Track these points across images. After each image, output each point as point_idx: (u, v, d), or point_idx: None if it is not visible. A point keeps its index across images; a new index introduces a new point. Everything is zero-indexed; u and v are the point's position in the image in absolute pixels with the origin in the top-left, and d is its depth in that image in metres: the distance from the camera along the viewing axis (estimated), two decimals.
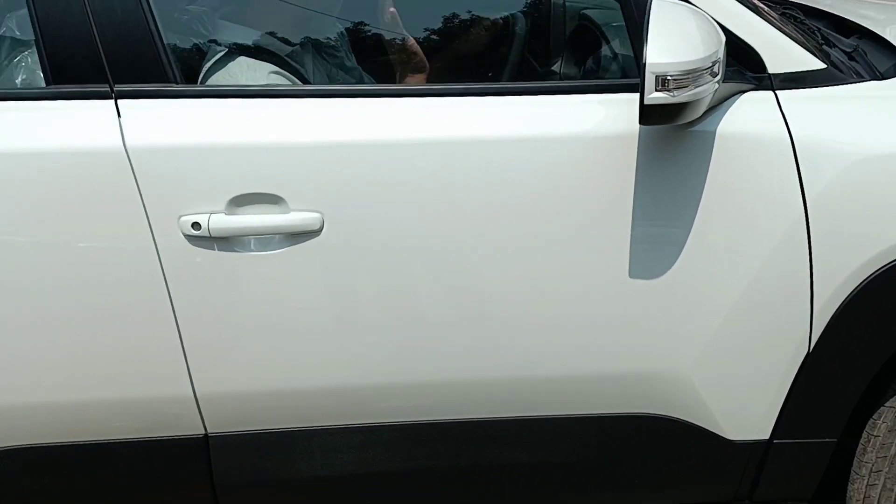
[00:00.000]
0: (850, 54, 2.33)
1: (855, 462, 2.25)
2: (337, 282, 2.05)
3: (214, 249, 2.00)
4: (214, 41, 2.33)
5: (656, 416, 2.18)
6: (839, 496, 2.37)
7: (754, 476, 2.25)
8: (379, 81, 2.69)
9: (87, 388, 2.09)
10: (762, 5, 2.27)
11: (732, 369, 2.13)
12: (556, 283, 2.08)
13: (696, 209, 2.03)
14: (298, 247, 2.02)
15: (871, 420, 2.22)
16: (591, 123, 2.04)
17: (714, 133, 2.02)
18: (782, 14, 2.46)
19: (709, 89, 1.88)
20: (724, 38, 1.92)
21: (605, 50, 2.48)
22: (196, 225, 1.98)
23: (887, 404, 2.20)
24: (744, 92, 2.06)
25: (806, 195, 2.02)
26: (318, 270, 2.04)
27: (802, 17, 2.57)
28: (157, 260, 2.00)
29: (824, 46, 2.32)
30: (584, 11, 2.72)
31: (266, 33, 2.41)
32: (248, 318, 2.06)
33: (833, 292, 2.06)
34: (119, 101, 2.01)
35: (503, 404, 2.18)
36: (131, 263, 2.01)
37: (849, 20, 2.68)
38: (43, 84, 2.14)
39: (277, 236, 2.02)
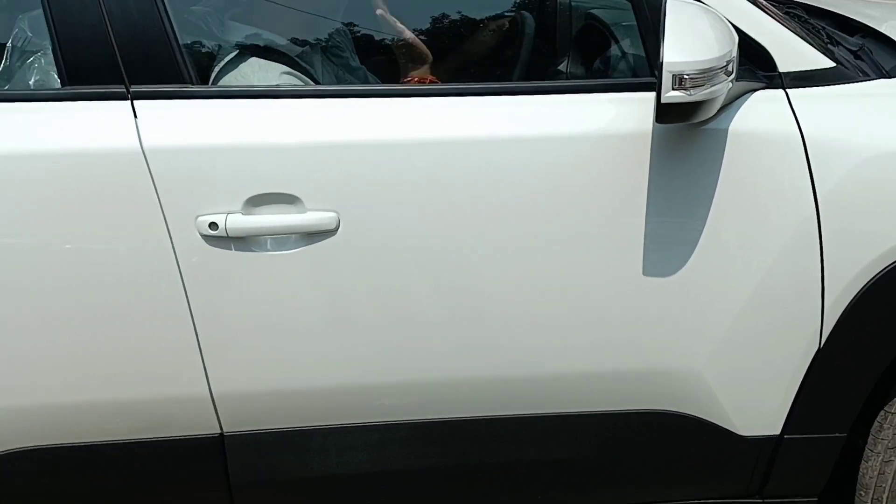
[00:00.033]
0: (855, 53, 2.35)
1: (870, 440, 2.27)
2: (353, 281, 2.06)
3: (231, 249, 2.01)
4: (226, 42, 2.34)
5: (668, 412, 2.20)
6: (846, 493, 2.40)
7: (765, 471, 2.27)
8: (384, 78, 2.71)
9: (104, 388, 2.09)
10: (769, 5, 2.29)
11: (744, 365, 2.15)
12: (569, 280, 2.09)
13: (709, 207, 2.05)
14: (314, 246, 2.02)
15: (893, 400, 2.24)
16: (605, 122, 2.06)
17: (726, 131, 2.04)
18: (786, 13, 2.48)
19: (723, 88, 1.90)
20: (736, 38, 1.94)
21: (613, 49, 2.50)
22: (213, 225, 1.99)
23: None
24: (755, 90, 2.08)
25: (817, 192, 2.04)
26: (334, 270, 2.05)
27: (806, 17, 2.59)
28: (174, 260, 2.01)
29: (829, 45, 2.33)
30: (591, 11, 2.73)
31: (276, 34, 2.41)
32: (264, 318, 2.06)
33: (844, 288, 2.09)
34: (135, 102, 2.01)
35: (516, 401, 2.19)
36: (148, 264, 2.01)
37: (852, 19, 2.70)
38: (58, 85, 2.14)
39: (294, 236, 2.02)
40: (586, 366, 2.15)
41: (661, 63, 1.83)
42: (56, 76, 2.15)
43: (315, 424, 2.16)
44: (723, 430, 2.20)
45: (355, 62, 2.71)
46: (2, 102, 2.05)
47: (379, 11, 2.58)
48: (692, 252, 2.07)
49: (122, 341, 2.05)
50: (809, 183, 2.04)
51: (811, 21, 2.55)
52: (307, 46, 2.51)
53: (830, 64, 2.14)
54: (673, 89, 1.84)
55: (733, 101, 2.04)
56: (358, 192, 2.02)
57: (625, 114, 2.05)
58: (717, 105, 1.93)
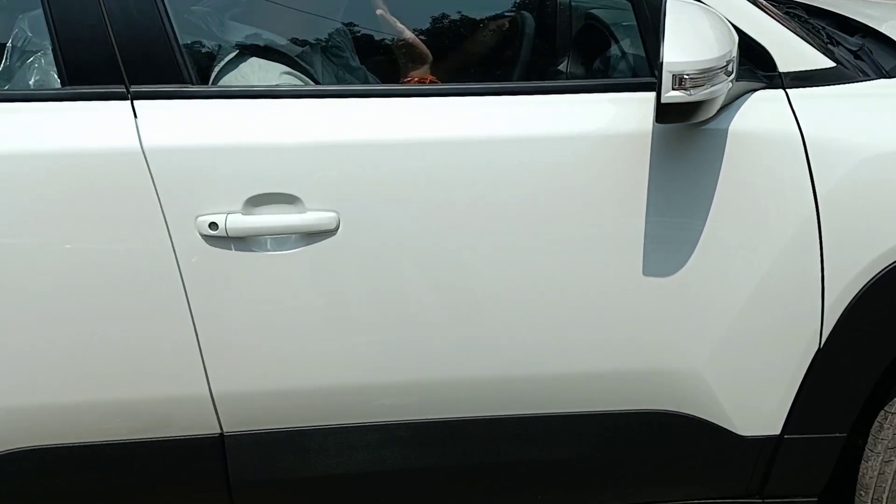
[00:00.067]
0: (855, 53, 2.35)
1: (870, 440, 2.27)
2: (353, 281, 2.06)
3: (231, 249, 2.01)
4: (226, 42, 2.34)
5: (668, 412, 2.20)
6: (846, 493, 2.40)
7: (765, 471, 2.27)
8: (385, 78, 2.71)
9: (104, 388, 2.09)
10: (769, 5, 2.29)
11: (744, 365, 2.15)
12: (569, 280, 2.09)
13: (709, 207, 2.05)
14: (314, 246, 2.03)
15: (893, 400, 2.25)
16: (605, 122, 2.06)
17: (726, 131, 2.04)
18: (786, 13, 2.48)
19: (723, 88, 1.90)
20: (736, 38, 1.94)
21: (613, 49, 2.50)
22: (213, 225, 1.99)
23: None
24: (755, 90, 2.08)
25: (817, 192, 2.05)
26: (334, 270, 2.05)
27: (806, 17, 2.59)
28: (174, 260, 2.01)
29: (829, 45, 2.33)
30: (591, 11, 2.73)
31: (276, 34, 2.42)
32: (264, 318, 2.06)
33: (844, 288, 2.09)
34: (135, 102, 2.01)
35: (516, 401, 2.19)
36: (148, 264, 2.02)
37: (852, 19, 2.70)
38: (57, 85, 2.14)
39: (294, 236, 2.03)
40: (586, 366, 2.15)
41: (661, 63, 1.83)
42: (56, 76, 2.15)
43: (315, 424, 2.16)
44: (723, 430, 2.20)
45: (355, 62, 2.71)
46: (2, 102, 2.05)
47: (379, 11, 2.58)
48: (692, 252, 2.07)
49: (122, 341, 2.06)
50: (809, 183, 2.05)
51: (811, 21, 2.55)
52: (307, 46, 2.51)
53: (830, 64, 2.14)
54: (673, 89, 1.84)
55: (733, 101, 2.04)
56: (358, 193, 2.02)
57: (625, 114, 2.06)
58: (717, 105, 1.93)
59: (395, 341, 2.10)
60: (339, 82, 2.57)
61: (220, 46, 2.33)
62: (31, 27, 2.25)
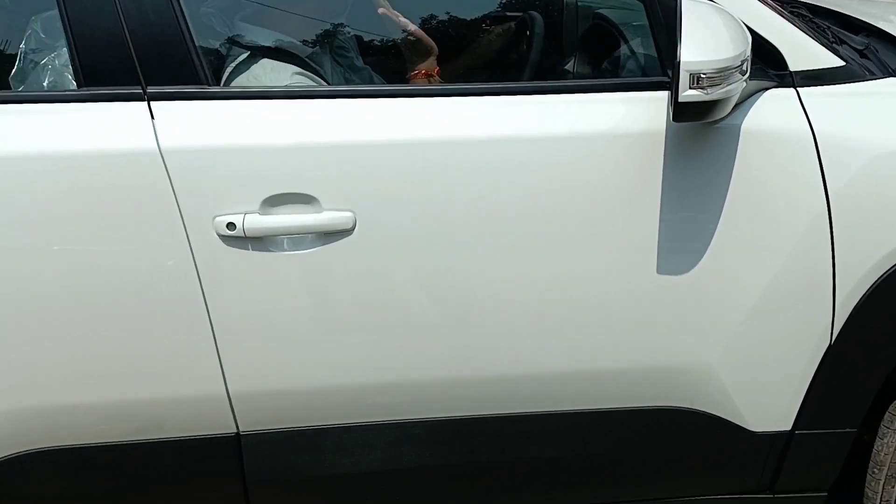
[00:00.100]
0: (861, 52, 2.37)
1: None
2: (370, 280, 2.07)
3: (249, 249, 2.02)
4: (238, 44, 2.35)
5: (680, 408, 2.22)
6: (855, 489, 2.42)
7: (776, 467, 2.29)
8: (389, 77, 2.71)
9: (121, 388, 2.10)
10: (776, 5, 2.31)
11: (756, 361, 2.17)
12: (584, 278, 2.11)
13: (721, 204, 2.07)
14: (331, 246, 2.04)
15: None
16: (618, 121, 2.08)
17: (738, 129, 2.06)
18: (791, 13, 2.50)
19: (738, 87, 1.93)
20: (750, 37, 1.96)
21: (623, 49, 2.51)
22: (231, 225, 1.99)
23: None
24: (766, 89, 2.10)
25: (828, 189, 2.07)
26: (351, 269, 2.06)
27: (811, 16, 2.61)
28: (191, 260, 2.02)
29: (835, 44, 2.35)
30: (599, 11, 2.75)
31: (286, 35, 2.43)
32: (281, 317, 2.07)
33: (855, 285, 2.11)
34: (152, 103, 2.02)
35: (529, 399, 2.20)
36: (166, 264, 2.02)
37: (856, 18, 2.72)
38: (72, 86, 2.15)
39: (310, 236, 2.04)
40: (600, 363, 2.17)
41: (679, 62, 1.85)
42: (70, 77, 2.16)
43: (331, 423, 2.17)
44: (735, 426, 2.22)
45: (359, 62, 2.73)
46: (19, 104, 2.06)
47: (381, 10, 2.58)
48: (705, 249, 2.09)
49: (139, 341, 2.06)
50: (821, 180, 2.07)
51: (815, 20, 2.57)
52: (317, 47, 2.53)
53: (840, 63, 2.16)
54: (690, 88, 1.86)
55: (745, 99, 2.06)
56: (374, 192, 2.03)
57: (636, 113, 2.07)
58: (732, 104, 1.96)
59: (412, 340, 2.11)
60: (346, 83, 2.59)
61: (231, 47, 2.34)
62: (43, 29, 2.25)
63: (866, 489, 2.34)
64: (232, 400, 2.12)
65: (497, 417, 2.20)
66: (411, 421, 2.19)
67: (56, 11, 2.16)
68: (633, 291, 2.12)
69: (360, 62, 2.75)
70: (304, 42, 2.49)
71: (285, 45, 2.42)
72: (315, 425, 2.17)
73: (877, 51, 2.40)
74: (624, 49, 2.51)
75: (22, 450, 2.12)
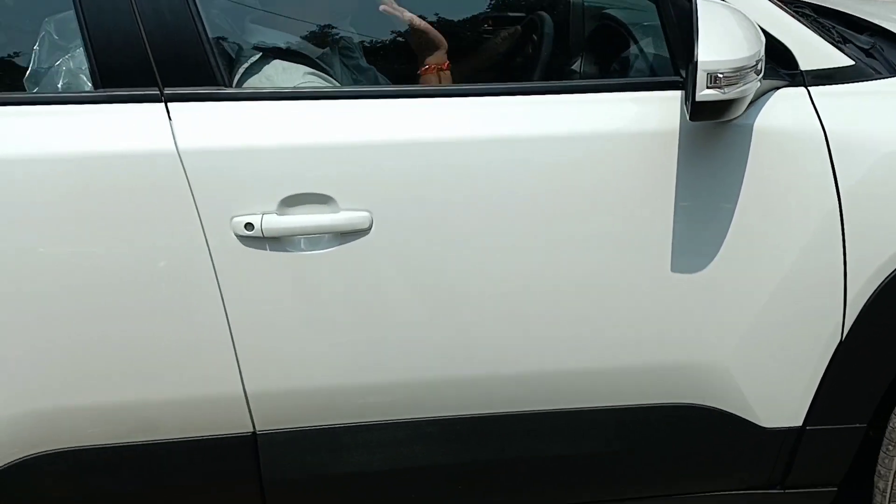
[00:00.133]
0: (867, 51, 2.39)
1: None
2: (387, 280, 2.08)
3: (266, 249, 2.03)
4: (249, 45, 2.36)
5: (693, 405, 2.24)
6: (865, 483, 2.44)
7: (787, 462, 2.31)
8: (397, 75, 2.74)
9: (138, 388, 2.10)
10: (783, 5, 2.33)
11: (768, 358, 2.19)
12: (597, 276, 2.12)
13: (734, 202, 2.09)
14: (347, 245, 2.05)
15: None
16: (632, 121, 2.09)
17: (751, 128, 2.08)
18: (796, 13, 2.51)
19: (754, 86, 1.95)
20: (763, 37, 1.98)
21: (632, 49, 2.53)
22: (249, 226, 2.00)
23: None
24: (777, 88, 2.12)
25: (840, 187, 2.09)
26: (368, 269, 2.07)
27: (815, 16, 2.63)
28: (209, 260, 2.02)
29: (841, 44, 2.38)
30: (607, 11, 2.77)
31: (296, 36, 2.44)
32: (298, 317, 2.08)
33: (866, 281, 2.13)
34: (169, 104, 2.02)
35: (542, 397, 2.22)
36: (184, 265, 2.03)
37: (859, 18, 2.74)
38: (86, 88, 2.16)
39: (327, 236, 2.04)
40: (615, 361, 2.18)
41: (696, 62, 1.87)
42: (85, 79, 2.17)
43: (347, 422, 2.18)
44: (746, 423, 2.24)
45: (364, 62, 2.75)
46: (36, 105, 2.06)
47: (382, 7, 2.59)
48: (718, 247, 2.11)
49: (157, 341, 2.07)
50: (832, 178, 2.09)
51: (820, 20, 2.59)
52: (327, 48, 2.54)
53: (850, 62, 2.18)
54: (707, 88, 1.88)
55: (757, 98, 2.08)
56: (391, 192, 2.04)
57: (649, 112, 2.09)
58: (747, 102, 1.98)
59: (429, 339, 2.13)
60: (353, 83, 2.60)
61: (243, 48, 2.35)
62: (57, 31, 2.25)
63: (878, 467, 2.37)
64: (249, 399, 2.13)
65: (511, 415, 2.22)
66: (426, 419, 2.20)
67: (69, 13, 2.17)
68: (647, 289, 2.14)
69: (364, 62, 2.76)
70: (313, 43, 2.50)
71: (295, 46, 2.44)
72: (331, 424, 2.18)
73: (882, 50, 2.42)
74: (633, 49, 2.53)
75: (37, 451, 2.13)
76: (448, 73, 2.54)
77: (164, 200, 2.00)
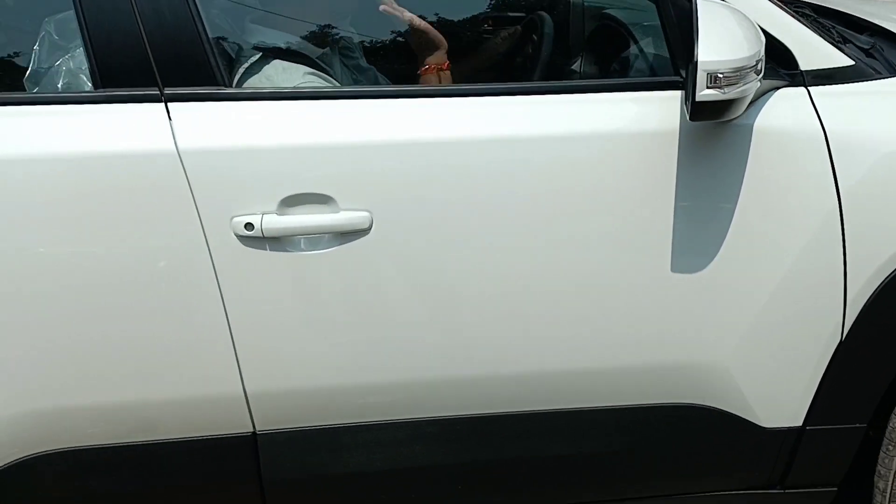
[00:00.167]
0: (867, 51, 2.39)
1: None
2: (387, 279, 2.08)
3: (266, 249, 2.03)
4: (248, 45, 2.36)
5: (693, 405, 2.24)
6: (865, 483, 2.44)
7: (787, 462, 2.31)
8: (397, 75, 2.74)
9: (138, 388, 2.10)
10: (783, 5, 2.33)
11: (768, 358, 2.19)
12: (598, 276, 2.12)
13: (734, 202, 2.09)
14: (347, 245, 2.05)
15: None
16: (632, 120, 2.09)
17: (751, 128, 2.08)
18: (795, 13, 2.52)
19: (754, 86, 1.95)
20: (763, 37, 1.98)
21: (632, 49, 2.53)
22: (249, 226, 2.00)
23: None
24: (777, 88, 2.12)
25: (840, 187, 2.09)
26: (368, 268, 2.07)
27: (815, 16, 2.63)
28: (209, 260, 2.03)
29: (841, 44, 2.38)
30: (606, 11, 2.77)
31: (296, 36, 2.44)
32: (298, 317, 2.08)
33: (865, 282, 2.13)
34: (169, 104, 2.02)
35: (542, 397, 2.22)
36: (184, 265, 2.03)
37: (859, 18, 2.74)
38: (86, 88, 2.16)
39: (327, 236, 2.05)
40: (615, 361, 2.19)
41: (696, 62, 1.87)
42: (85, 79, 2.17)
43: (347, 422, 2.18)
44: (746, 423, 2.24)
45: (364, 62, 2.75)
46: (36, 105, 2.06)
47: (382, 7, 2.59)
48: (718, 247, 2.11)
49: (157, 341, 2.07)
50: (832, 178, 2.09)
51: (820, 20, 2.59)
52: (326, 48, 2.54)
53: (850, 62, 2.18)
54: (707, 88, 1.88)
55: (757, 98, 2.08)
56: (391, 192, 2.04)
57: (649, 112, 2.09)
58: (747, 102, 1.98)
59: (428, 339, 2.13)
60: (353, 83, 2.60)
61: (242, 48, 2.35)
62: (57, 31, 2.25)
63: (878, 467, 2.37)
64: (249, 399, 2.13)
65: (511, 415, 2.22)
66: (426, 419, 2.20)
67: (69, 13, 2.17)
68: (647, 289, 2.14)
69: (364, 62, 2.76)
70: (313, 43, 2.50)
71: (295, 46, 2.44)
72: (331, 424, 2.18)
73: (882, 50, 2.42)
74: (633, 49, 2.53)
75: (37, 451, 2.13)
76: (448, 73, 2.54)
77: (164, 200, 2.00)
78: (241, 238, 2.02)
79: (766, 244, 2.12)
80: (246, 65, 2.29)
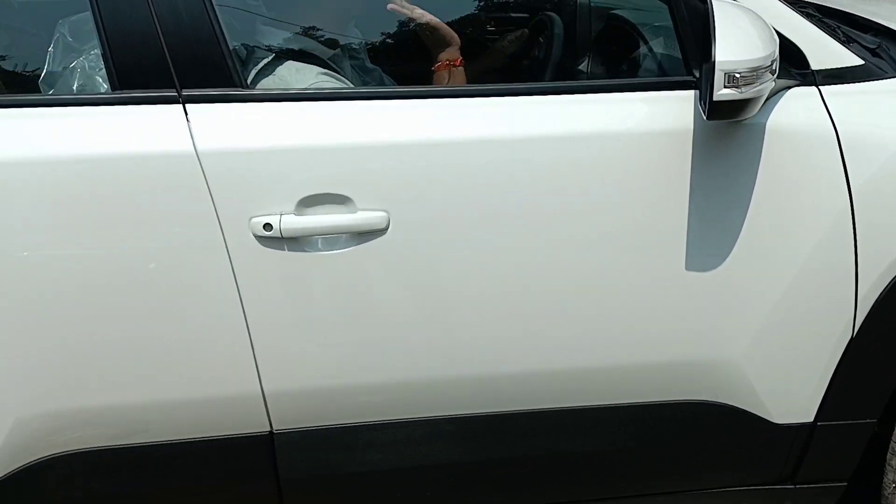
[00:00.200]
0: (873, 51, 2.42)
1: None
2: (404, 279, 2.10)
3: (284, 250, 2.04)
4: (261, 45, 2.37)
5: (705, 402, 2.26)
6: (873, 479, 2.47)
7: (798, 458, 2.33)
8: (408, 73, 2.74)
9: (156, 389, 2.11)
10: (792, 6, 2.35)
11: (781, 354, 2.21)
12: (612, 274, 2.14)
13: (747, 200, 2.11)
14: (364, 245, 2.06)
15: None
16: (647, 120, 2.11)
17: (763, 127, 2.10)
18: (801, 13, 2.54)
19: (769, 86, 1.97)
20: (777, 37, 2.00)
21: (642, 49, 2.55)
22: (268, 226, 2.01)
23: None
24: (789, 87, 2.14)
25: (851, 186, 2.11)
26: (385, 268, 2.09)
27: (820, 16, 2.65)
28: (228, 261, 2.03)
29: (847, 44, 2.40)
30: (614, 12, 2.79)
31: (308, 37, 2.45)
32: (315, 317, 2.09)
33: (876, 279, 2.15)
34: (187, 106, 2.03)
35: (557, 394, 2.23)
36: (202, 265, 2.04)
37: (863, 18, 2.77)
38: (101, 89, 2.17)
39: (344, 236, 2.06)
40: (629, 359, 2.20)
41: (714, 62, 1.89)
42: (100, 81, 2.18)
43: (364, 420, 2.19)
44: (758, 419, 2.26)
45: (369, 63, 2.76)
46: (54, 107, 2.06)
47: (391, 6, 2.60)
48: (731, 245, 2.13)
49: (175, 341, 2.08)
50: (843, 177, 2.11)
51: (826, 20, 2.61)
52: (338, 49, 2.55)
53: (859, 61, 2.21)
54: (724, 87, 1.90)
55: (769, 98, 2.10)
56: (408, 192, 2.06)
57: (662, 112, 2.11)
58: (762, 102, 2.00)
59: (445, 338, 2.14)
60: (362, 84, 2.61)
61: (255, 49, 2.36)
62: (71, 33, 2.26)
63: (887, 466, 2.39)
64: (266, 399, 2.14)
65: (527, 413, 2.23)
66: (444, 417, 2.21)
67: (82, 15, 2.19)
68: (661, 288, 2.16)
69: (369, 63, 2.77)
70: (323, 44, 2.51)
71: (307, 47, 2.44)
72: (348, 423, 2.19)
73: (888, 49, 2.44)
74: (643, 49, 2.54)
75: (55, 453, 2.13)
76: (461, 69, 2.56)
77: (183, 202, 2.01)
78: (260, 238, 2.03)
79: (779, 242, 2.14)
80: (259, 66, 2.31)
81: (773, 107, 2.11)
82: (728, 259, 2.13)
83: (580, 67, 2.87)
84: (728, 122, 2.06)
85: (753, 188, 2.11)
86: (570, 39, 2.82)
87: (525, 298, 2.13)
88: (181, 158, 2.00)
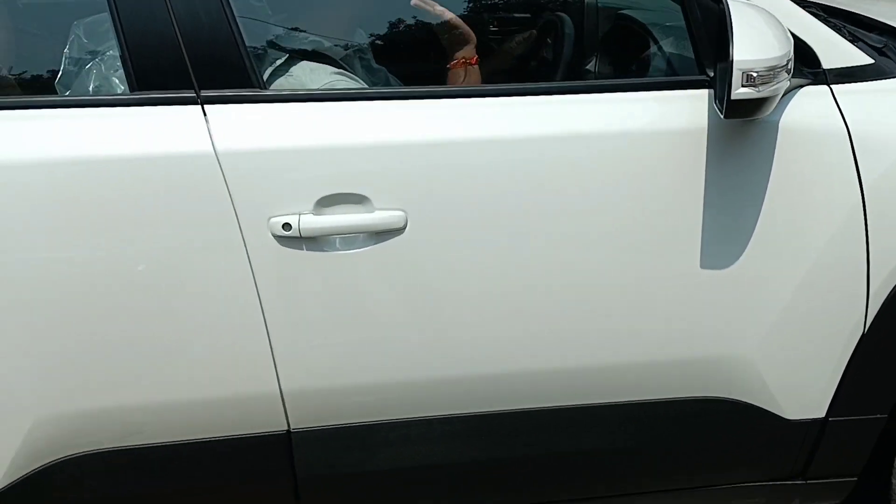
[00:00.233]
0: (880, 50, 2.44)
1: None
2: (421, 278, 2.11)
3: (303, 249, 2.05)
4: (275, 46, 2.38)
5: (718, 398, 2.27)
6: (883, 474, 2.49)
7: (809, 453, 2.35)
8: (408, 74, 2.76)
9: (176, 388, 2.12)
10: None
11: (793, 351, 2.23)
12: (627, 272, 2.16)
13: (761, 198, 2.13)
14: (382, 245, 2.07)
15: None
16: (662, 119, 2.13)
17: (776, 125, 2.12)
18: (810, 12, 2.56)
19: (784, 84, 1.99)
20: (791, 37, 2.02)
21: (653, 49, 2.57)
22: (287, 226, 2.02)
23: None
24: (801, 86, 2.16)
25: (863, 182, 2.14)
26: (402, 267, 2.10)
27: (826, 16, 2.68)
28: (247, 261, 2.04)
29: (854, 43, 2.42)
30: (623, 12, 2.80)
31: (321, 38, 2.46)
32: (334, 316, 2.11)
33: (888, 275, 2.18)
34: (206, 107, 2.04)
35: (572, 392, 2.25)
36: (222, 266, 2.04)
37: (868, 18, 2.79)
38: (118, 90, 2.17)
39: (362, 235, 2.07)
40: (643, 356, 2.22)
41: (731, 61, 1.91)
42: (117, 82, 2.18)
43: (381, 419, 2.20)
44: (770, 415, 2.28)
45: (374, 63, 2.77)
46: (73, 108, 2.07)
47: (414, 2, 2.61)
48: (744, 242, 2.15)
49: (194, 341, 2.08)
50: (855, 174, 2.13)
51: (832, 20, 2.63)
52: (350, 50, 2.56)
53: (869, 60, 2.23)
54: (742, 86, 1.92)
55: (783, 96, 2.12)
56: (425, 191, 2.07)
57: (676, 110, 2.13)
58: (777, 100, 2.02)
59: (462, 337, 2.15)
60: (370, 84, 2.62)
61: (269, 50, 2.37)
62: (86, 34, 2.27)
63: None
64: (284, 397, 2.14)
65: (543, 410, 2.25)
66: (460, 415, 2.22)
67: (98, 17, 2.20)
68: (674, 284, 2.18)
69: (374, 63, 2.78)
70: (335, 44, 2.52)
71: (320, 47, 2.45)
72: (365, 421, 2.20)
73: (894, 48, 2.46)
74: (654, 49, 2.56)
75: (74, 453, 2.14)
76: (476, 67, 2.57)
77: (202, 202, 2.02)
78: (279, 238, 2.04)
79: (791, 239, 2.16)
80: (273, 66, 2.31)
81: (786, 105, 2.13)
82: (741, 256, 2.16)
83: (589, 68, 2.88)
84: (742, 121, 2.08)
85: (766, 185, 2.13)
86: (581, 40, 2.84)
87: (541, 297, 2.15)
88: (201, 159, 2.01)
